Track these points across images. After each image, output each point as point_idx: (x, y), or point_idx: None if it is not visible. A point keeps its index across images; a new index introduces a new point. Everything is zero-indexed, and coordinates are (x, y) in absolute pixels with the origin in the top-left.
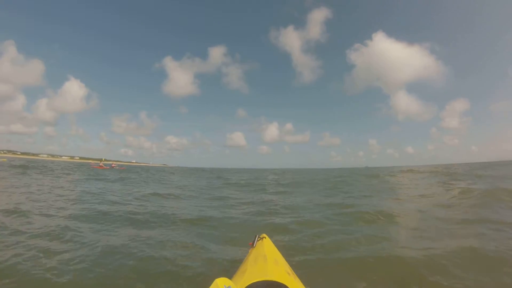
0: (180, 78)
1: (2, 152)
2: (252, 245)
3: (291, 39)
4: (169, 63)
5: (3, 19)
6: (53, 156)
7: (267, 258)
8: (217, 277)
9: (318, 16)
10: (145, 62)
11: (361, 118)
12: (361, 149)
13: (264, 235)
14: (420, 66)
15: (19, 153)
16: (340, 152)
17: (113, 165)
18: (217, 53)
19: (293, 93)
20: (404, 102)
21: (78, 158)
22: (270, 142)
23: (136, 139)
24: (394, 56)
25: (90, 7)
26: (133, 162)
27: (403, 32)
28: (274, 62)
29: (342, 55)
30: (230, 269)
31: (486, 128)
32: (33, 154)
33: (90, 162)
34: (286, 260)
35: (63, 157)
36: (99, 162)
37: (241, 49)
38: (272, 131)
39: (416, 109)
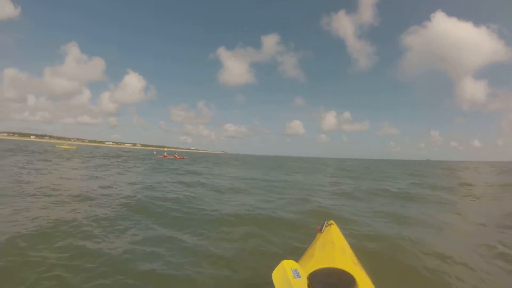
0: (234, 67)
1: (72, 140)
2: (320, 231)
3: (343, 24)
4: (223, 53)
5: (66, 23)
6: (117, 143)
7: (335, 245)
8: (284, 259)
9: None
10: (200, 53)
11: (422, 107)
12: (422, 140)
13: (332, 221)
14: (489, 50)
15: (87, 140)
16: (400, 142)
17: (175, 156)
18: (270, 41)
19: (349, 80)
20: (470, 90)
21: (139, 145)
22: (328, 131)
23: (195, 127)
24: (458, 38)
25: (142, 8)
26: (192, 149)
27: (466, 12)
28: (328, 49)
29: (399, 38)
30: (296, 252)
31: None
32: (99, 142)
33: (153, 151)
34: (352, 249)
35: (126, 144)
36: (163, 151)
37: (294, 37)
38: (330, 119)
39: (485, 99)
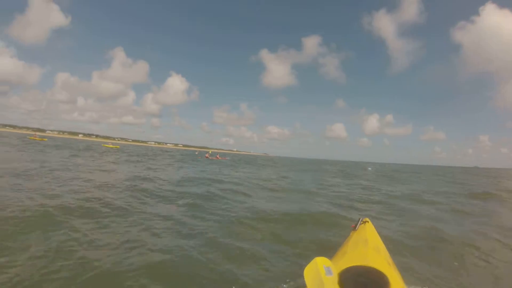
0: (277, 69)
1: (117, 139)
2: (355, 228)
3: (384, 23)
4: (265, 55)
5: (113, 29)
6: (159, 143)
7: (368, 243)
8: (317, 256)
9: None
10: (242, 56)
11: (469, 110)
12: (470, 146)
13: (367, 219)
14: None
15: (130, 140)
16: (445, 148)
17: (217, 156)
18: (311, 43)
19: (391, 82)
20: None
21: (181, 145)
22: (370, 134)
23: (237, 129)
24: (509, 35)
25: (185, 13)
26: (234, 151)
27: None
28: (369, 49)
29: (444, 37)
30: (330, 250)
31: None
32: (143, 142)
33: (196, 151)
34: (387, 249)
35: (168, 144)
36: (205, 152)
37: (335, 38)
38: (372, 122)
39: None
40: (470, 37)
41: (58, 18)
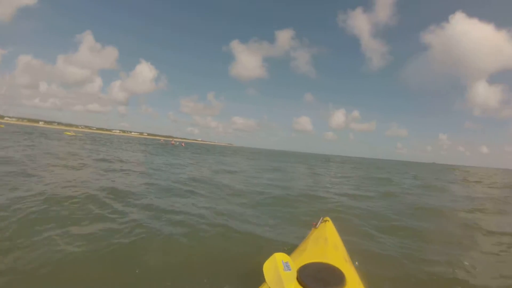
0: (247, 61)
1: (80, 127)
2: (315, 226)
3: (359, 22)
4: (236, 46)
5: (83, 12)
6: (124, 132)
7: (328, 241)
8: (277, 252)
9: None
10: (213, 45)
11: (432, 109)
12: (429, 143)
13: (328, 218)
14: (505, 57)
15: (94, 128)
16: (406, 144)
17: (183, 144)
18: (284, 36)
19: (361, 79)
20: (484, 95)
21: (146, 134)
22: (336, 128)
23: (203, 119)
24: (475, 41)
25: None
26: (198, 140)
27: (489, 12)
28: (342, 47)
29: (414, 40)
30: (290, 247)
31: None
32: (107, 130)
33: (160, 139)
34: (346, 247)
35: (133, 133)
36: (169, 140)
37: (309, 33)
38: (338, 117)
39: (498, 105)
40: (438, 42)
41: None
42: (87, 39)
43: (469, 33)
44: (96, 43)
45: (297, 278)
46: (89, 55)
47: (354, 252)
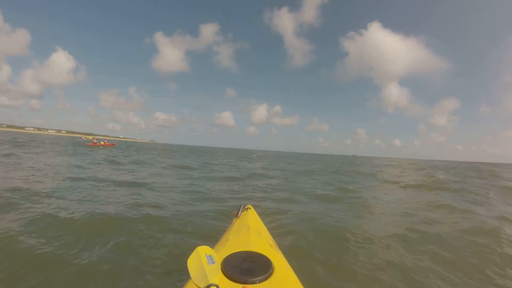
0: (170, 54)
1: None
2: (237, 215)
3: (284, 21)
4: (160, 38)
5: None
6: (39, 129)
7: (250, 229)
8: (199, 246)
9: None
10: (136, 36)
11: (350, 106)
12: (349, 137)
13: (250, 206)
14: (414, 61)
15: (4, 125)
16: (328, 138)
17: (105, 142)
18: (208, 30)
19: (283, 76)
20: (395, 95)
21: (64, 132)
22: (258, 123)
23: (125, 114)
24: (389, 48)
25: None
26: (121, 137)
27: (400, 23)
28: (266, 44)
29: (336, 42)
30: (212, 239)
31: (473, 129)
32: (19, 127)
33: (81, 137)
34: (270, 232)
35: (50, 131)
36: (90, 140)
37: (233, 28)
38: (260, 112)
39: (407, 103)
40: (356, 47)
41: None
42: None
43: (383, 40)
44: (4, 24)
45: (221, 270)
46: None
47: (280, 236)
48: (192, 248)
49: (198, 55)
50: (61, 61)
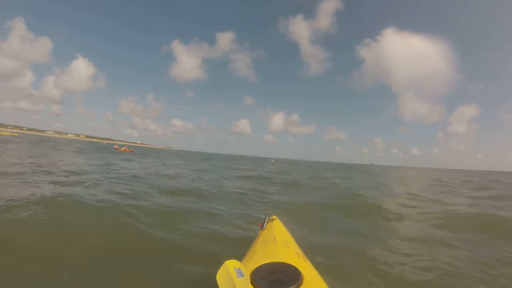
0: (187, 62)
1: (10, 127)
2: (262, 227)
3: (299, 29)
4: (177, 46)
5: None
6: (59, 133)
7: (276, 239)
8: (227, 259)
9: (328, 7)
10: (153, 44)
11: (367, 115)
12: (366, 146)
13: (274, 216)
14: (431, 67)
15: (26, 129)
16: (345, 147)
17: (125, 148)
18: (225, 39)
19: (300, 83)
20: (412, 103)
21: (83, 136)
22: (275, 131)
23: (142, 121)
24: (404, 54)
25: None
26: (138, 143)
27: (415, 29)
28: (282, 52)
29: (352, 49)
30: (240, 252)
31: (494, 137)
32: (40, 131)
33: (103, 142)
34: (297, 242)
35: (69, 135)
36: (104, 144)
37: (249, 36)
38: (277, 120)
39: (424, 111)
40: (372, 54)
41: None
42: (18, 26)
43: (398, 46)
44: (28, 32)
45: (251, 283)
46: (19, 44)
47: (307, 246)
48: (219, 262)
49: (215, 63)
50: (81, 68)
